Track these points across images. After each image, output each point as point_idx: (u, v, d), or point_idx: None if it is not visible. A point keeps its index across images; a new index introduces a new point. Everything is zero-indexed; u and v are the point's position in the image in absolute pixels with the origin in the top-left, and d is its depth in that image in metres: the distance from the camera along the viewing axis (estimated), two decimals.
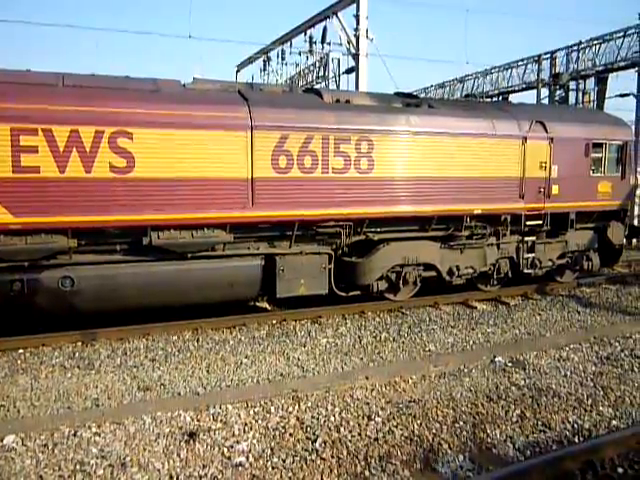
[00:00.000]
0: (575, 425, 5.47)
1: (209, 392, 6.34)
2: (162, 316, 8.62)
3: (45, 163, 7.20)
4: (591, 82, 23.16)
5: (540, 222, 10.81)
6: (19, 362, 7.27)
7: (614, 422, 5.57)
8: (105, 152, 7.47)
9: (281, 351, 7.78)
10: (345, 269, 9.46)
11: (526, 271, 11.00)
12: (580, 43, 22.96)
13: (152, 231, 7.88)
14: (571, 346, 7.90)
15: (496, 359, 7.30)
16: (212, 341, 8.19)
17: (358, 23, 17.13)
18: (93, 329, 8.17)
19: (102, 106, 7.47)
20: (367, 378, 6.56)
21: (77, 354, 7.57)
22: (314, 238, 9.15)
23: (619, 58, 21.32)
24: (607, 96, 22.76)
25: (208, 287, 8.36)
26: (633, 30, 20.37)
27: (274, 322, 9.14)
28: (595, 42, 22.44)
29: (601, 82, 22.73)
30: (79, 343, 7.94)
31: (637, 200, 16.10)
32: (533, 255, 10.96)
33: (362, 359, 7.53)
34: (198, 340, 8.22)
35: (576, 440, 5.17)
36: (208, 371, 7.02)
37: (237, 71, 28.89)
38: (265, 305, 9.89)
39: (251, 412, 5.65)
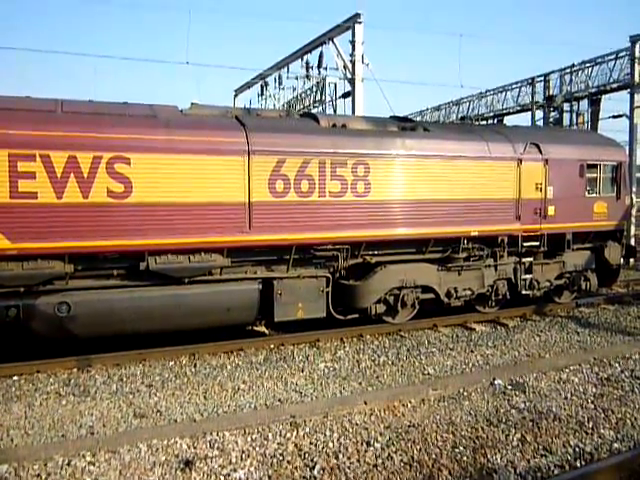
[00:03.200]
0: (577, 448, 5.41)
1: (206, 418, 6.27)
2: (159, 341, 8.56)
3: (43, 189, 7.24)
4: (584, 104, 23.38)
5: (537, 243, 10.83)
6: (13, 389, 7.19)
7: (616, 445, 5.50)
8: (103, 178, 7.52)
9: (279, 376, 7.72)
10: (343, 292, 9.44)
11: (524, 292, 10.98)
12: (573, 66, 23.23)
13: (149, 256, 7.88)
14: (571, 367, 7.85)
15: (496, 382, 7.24)
16: (209, 366, 8.12)
17: (354, 49, 17.36)
18: (89, 355, 8.10)
19: (100, 132, 7.53)
20: (366, 403, 6.49)
21: (72, 381, 7.49)
22: (311, 261, 9.14)
23: (611, 80, 21.56)
24: (600, 117, 22.98)
25: (205, 312, 8.32)
26: (624, 53, 20.64)
27: (272, 346, 9.08)
28: (587, 65, 22.71)
29: (594, 104, 22.94)
30: (74, 369, 7.87)
31: (633, 220, 16.17)
32: (531, 276, 10.95)
33: (361, 383, 7.46)
34: (195, 365, 8.15)
35: (578, 464, 5.11)
36: (205, 397, 6.95)
37: (235, 95, 29.17)
38: (263, 329, 9.83)
39: (248, 439, 5.57)
